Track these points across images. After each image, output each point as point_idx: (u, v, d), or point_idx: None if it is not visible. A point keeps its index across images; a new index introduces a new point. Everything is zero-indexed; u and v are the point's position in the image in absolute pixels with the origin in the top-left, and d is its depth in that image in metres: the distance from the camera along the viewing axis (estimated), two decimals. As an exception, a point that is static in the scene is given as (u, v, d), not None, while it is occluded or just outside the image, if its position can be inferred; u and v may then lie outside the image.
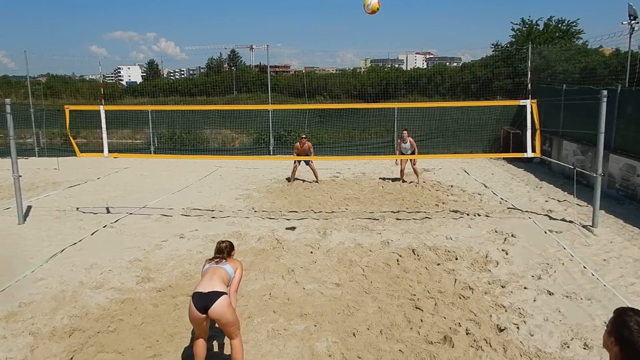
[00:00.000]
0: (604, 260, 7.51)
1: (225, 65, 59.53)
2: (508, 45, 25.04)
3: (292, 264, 7.61)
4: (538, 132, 9.78)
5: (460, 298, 6.34)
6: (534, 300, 6.19)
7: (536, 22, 25.64)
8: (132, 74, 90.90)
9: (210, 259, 4.89)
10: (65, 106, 10.72)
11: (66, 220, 10.31)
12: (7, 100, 10.08)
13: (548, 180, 13.63)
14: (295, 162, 14.00)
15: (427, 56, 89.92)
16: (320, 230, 9.33)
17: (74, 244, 8.71)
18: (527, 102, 9.84)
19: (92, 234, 9.26)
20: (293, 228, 9.54)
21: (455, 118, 19.08)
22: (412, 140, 13.43)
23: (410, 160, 13.59)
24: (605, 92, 8.85)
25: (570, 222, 9.54)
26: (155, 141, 20.54)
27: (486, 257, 7.78)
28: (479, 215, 10.26)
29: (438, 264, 7.59)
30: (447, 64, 48.92)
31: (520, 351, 5.03)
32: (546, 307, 6.01)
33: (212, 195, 12.64)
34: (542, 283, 6.73)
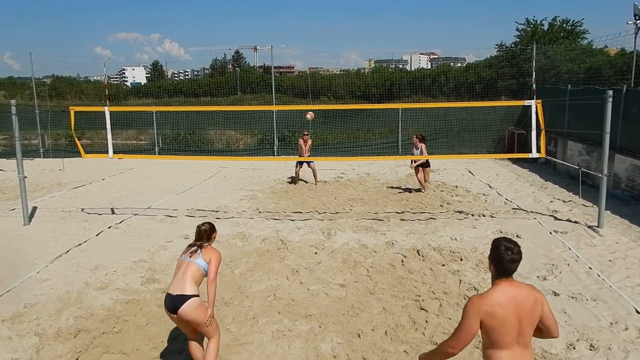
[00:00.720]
0: (610, 261, 7.48)
1: (230, 66, 59.68)
2: (512, 45, 24.97)
3: (296, 264, 7.61)
4: (543, 132, 9.75)
5: (465, 299, 6.31)
6: (540, 301, 6.15)
7: (541, 22, 25.56)
8: (137, 75, 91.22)
9: (190, 245, 4.75)
10: (70, 107, 10.77)
11: (71, 221, 10.34)
12: (13, 102, 10.13)
13: (553, 180, 13.58)
14: (297, 165, 13.98)
15: (431, 56, 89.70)
16: (325, 231, 9.32)
17: (79, 244, 8.74)
18: (532, 103, 9.81)
19: (97, 235, 9.28)
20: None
21: (459, 118, 19.04)
22: (423, 145, 12.32)
23: (415, 168, 12.50)
24: (610, 92, 8.81)
25: (576, 222, 9.50)
26: (160, 142, 20.58)
27: (491, 257, 7.74)
28: (483, 215, 10.23)
29: (443, 265, 7.57)
30: (452, 64, 48.86)
31: (526, 352, 5.00)
32: (552, 308, 5.93)
33: (216, 196, 12.65)
34: (548, 284, 6.70)
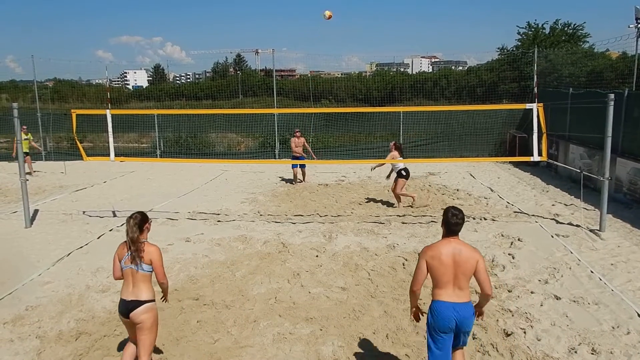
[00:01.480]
0: (612, 264, 7.46)
1: (231, 70, 59.75)
2: (514, 48, 24.98)
3: (297, 267, 7.61)
4: (544, 135, 9.75)
5: (466, 302, 6.31)
6: (541, 305, 6.15)
7: (542, 25, 25.58)
8: (138, 78, 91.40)
9: (126, 244, 4.43)
10: (72, 110, 10.80)
11: (73, 223, 10.35)
12: (15, 105, 10.15)
13: (555, 184, 13.57)
14: (293, 168, 14.23)
15: (433, 60, 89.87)
16: (326, 234, 9.32)
17: (81, 247, 8.74)
18: (534, 106, 9.81)
19: (98, 238, 9.29)
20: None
21: (461, 122, 19.05)
22: (395, 153, 11.17)
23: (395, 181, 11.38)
24: (612, 96, 8.81)
25: (577, 226, 9.48)
26: (161, 145, 20.61)
27: (492, 261, 7.74)
28: (485, 219, 10.22)
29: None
30: (453, 67, 48.88)
31: (527, 356, 5.00)
32: (553, 311, 5.97)
33: (217, 199, 12.66)
34: (549, 287, 6.68)
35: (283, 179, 15.13)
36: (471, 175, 15.53)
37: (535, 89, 17.76)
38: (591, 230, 9.14)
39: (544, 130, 9.70)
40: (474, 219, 10.26)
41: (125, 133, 21.77)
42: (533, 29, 25.71)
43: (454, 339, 4.05)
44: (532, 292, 6.52)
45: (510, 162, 17.11)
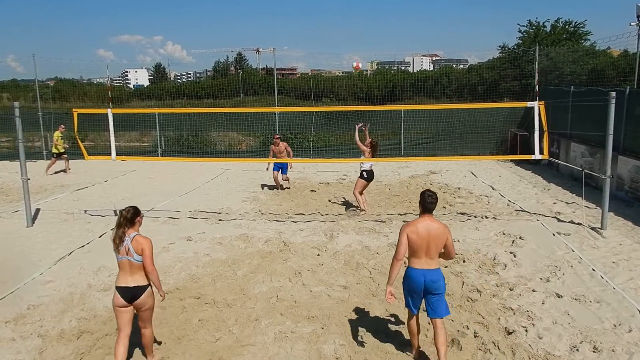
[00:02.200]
0: (613, 262, 7.45)
1: (232, 68, 59.72)
2: (515, 47, 24.92)
3: (299, 266, 7.61)
4: (546, 134, 9.74)
5: (468, 301, 6.31)
6: (543, 303, 6.15)
7: (543, 23, 25.50)
8: (140, 77, 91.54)
9: (118, 237, 4.76)
10: (73, 109, 10.81)
11: (74, 222, 10.36)
12: (16, 104, 10.15)
13: (556, 182, 13.55)
14: (273, 172, 13.19)
15: (434, 58, 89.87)
16: (327, 233, 9.32)
17: (82, 246, 8.75)
18: (535, 104, 9.80)
19: (99, 237, 9.29)
20: None
21: (462, 120, 19.01)
22: (366, 150, 10.67)
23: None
24: (613, 94, 8.80)
25: (579, 224, 9.47)
26: (163, 144, 20.60)
27: (494, 259, 7.74)
28: (486, 217, 10.21)
29: (445, 267, 7.54)
30: (454, 65, 48.75)
31: (529, 354, 5.00)
32: (555, 310, 5.97)
33: (219, 197, 12.66)
34: (551, 286, 6.68)
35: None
36: (472, 173, 15.51)
37: (537, 87, 17.72)
38: (593, 229, 9.13)
39: (545, 128, 9.69)
40: (475, 217, 10.25)
41: (127, 132, 21.75)
42: (534, 27, 25.64)
43: (428, 302, 4.82)
44: (533, 290, 6.52)
45: (511, 161, 17.08)
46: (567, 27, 25.40)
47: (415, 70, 53.44)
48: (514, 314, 5.90)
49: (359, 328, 5.65)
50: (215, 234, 9.31)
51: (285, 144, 13.31)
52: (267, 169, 13.32)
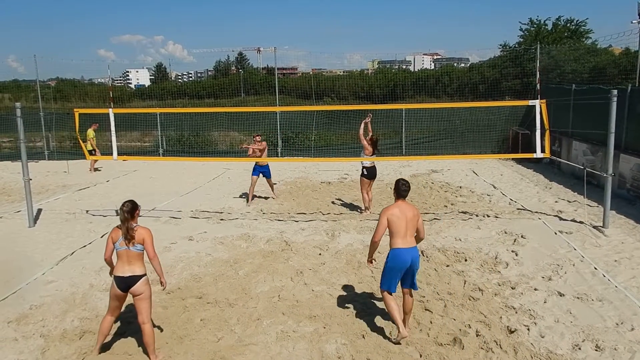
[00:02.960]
0: (615, 261, 7.44)
1: (233, 68, 59.77)
2: (516, 45, 24.90)
3: (300, 265, 7.61)
4: (547, 132, 9.73)
5: (469, 299, 6.31)
6: (545, 302, 6.14)
7: (544, 22, 25.48)
8: (141, 77, 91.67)
9: (119, 228, 5.04)
10: (75, 109, 10.80)
11: (76, 223, 10.37)
12: (17, 104, 10.16)
13: (558, 180, 13.53)
14: (252, 176, 11.83)
15: (435, 57, 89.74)
16: (329, 232, 9.32)
17: (84, 246, 8.76)
18: (536, 102, 9.78)
19: (101, 237, 9.29)
20: None
21: (463, 119, 18.99)
22: (369, 149, 10.34)
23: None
24: (615, 92, 8.78)
25: (581, 222, 9.46)
26: (164, 144, 20.62)
27: (496, 258, 7.73)
28: (488, 216, 10.20)
29: (447, 266, 7.55)
30: (455, 64, 48.79)
31: (531, 353, 4.99)
32: (557, 308, 5.96)
33: (220, 197, 12.67)
34: (553, 284, 6.67)
35: (284, 179, 15.14)
36: (474, 172, 15.50)
37: (538, 86, 17.70)
38: (594, 227, 9.12)
39: (546, 126, 9.67)
40: (477, 216, 10.24)
41: (128, 132, 21.75)
42: (535, 26, 25.61)
43: (407, 277, 5.32)
44: (535, 289, 6.51)
45: (513, 159, 17.06)
46: (568, 25, 25.37)
47: (416, 69, 53.47)
48: (516, 312, 5.89)
49: (361, 327, 5.65)
50: (217, 234, 9.31)
51: (264, 143, 11.95)
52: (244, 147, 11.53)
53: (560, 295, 6.30)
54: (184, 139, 21.07)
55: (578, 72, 18.69)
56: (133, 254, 4.95)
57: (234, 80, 36.47)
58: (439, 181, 14.12)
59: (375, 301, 6.33)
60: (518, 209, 10.77)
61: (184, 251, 8.42)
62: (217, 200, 12.30)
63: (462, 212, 10.58)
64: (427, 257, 7.83)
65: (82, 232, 9.67)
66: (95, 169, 17.10)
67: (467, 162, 17.11)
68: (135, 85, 66.99)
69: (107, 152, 13.68)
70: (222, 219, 10.44)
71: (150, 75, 74.92)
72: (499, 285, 6.74)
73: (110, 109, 10.89)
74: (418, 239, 5.43)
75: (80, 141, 11.85)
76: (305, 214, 10.85)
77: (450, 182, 13.94)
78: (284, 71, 55.42)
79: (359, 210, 11.01)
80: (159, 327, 5.71)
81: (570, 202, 11.18)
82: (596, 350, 5.02)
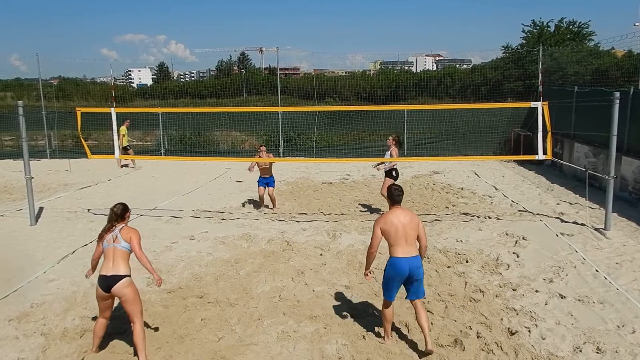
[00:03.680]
0: (617, 263, 7.43)
1: (235, 68, 59.83)
2: (519, 47, 24.93)
3: (301, 266, 7.61)
4: (549, 134, 9.73)
5: (470, 301, 6.30)
6: (546, 304, 6.13)
7: (547, 23, 25.51)
8: (143, 77, 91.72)
9: (107, 230, 5.07)
10: (77, 108, 10.83)
11: (77, 221, 10.38)
12: (20, 103, 10.18)
13: (559, 182, 13.51)
14: (259, 187, 11.23)
15: (437, 58, 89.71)
16: (330, 233, 9.32)
17: (85, 245, 8.76)
18: (538, 104, 9.78)
19: (103, 236, 9.30)
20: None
21: (465, 120, 18.98)
22: (395, 150, 10.35)
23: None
24: (617, 94, 8.77)
25: (582, 225, 9.45)
26: (166, 143, 20.64)
27: (497, 260, 7.72)
28: (489, 217, 10.19)
29: (448, 267, 7.55)
30: (457, 65, 48.77)
31: (532, 355, 4.99)
32: (558, 310, 5.95)
33: (222, 197, 12.67)
34: (554, 286, 6.66)
35: (285, 179, 15.14)
36: (475, 173, 15.49)
37: (540, 88, 17.69)
38: (596, 229, 9.10)
39: (548, 128, 9.66)
40: (478, 217, 10.24)
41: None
42: (538, 27, 25.65)
43: (409, 286, 5.14)
44: (536, 291, 6.50)
45: (514, 161, 17.03)
46: (571, 27, 25.39)
47: (418, 70, 53.43)
48: (517, 314, 5.89)
49: (362, 328, 5.65)
50: (218, 233, 9.32)
51: (270, 155, 11.65)
52: (250, 169, 11.46)
53: (562, 298, 6.29)
54: (186, 139, 21.09)
55: (580, 74, 18.68)
56: (119, 252, 4.93)
57: (236, 80, 36.48)
58: (441, 182, 14.11)
59: (376, 302, 6.32)
60: (519, 210, 10.76)
61: (185, 250, 8.43)
62: (219, 200, 12.30)
63: (464, 214, 10.58)
64: (428, 258, 7.81)
65: (83, 230, 9.67)
66: (126, 166, 17.50)
67: (468, 164, 17.10)
68: (137, 85, 67.08)
69: (109, 151, 13.65)
70: (223, 219, 10.44)
71: (152, 75, 75.01)
72: (500, 286, 6.73)
73: (113, 108, 10.91)
74: (421, 249, 5.19)
75: (82, 140, 11.86)
76: (306, 214, 10.85)
77: (451, 184, 13.93)
78: (286, 71, 55.45)
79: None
80: (154, 329, 5.72)
81: (572, 204, 11.16)
82: (597, 352, 5.01)
